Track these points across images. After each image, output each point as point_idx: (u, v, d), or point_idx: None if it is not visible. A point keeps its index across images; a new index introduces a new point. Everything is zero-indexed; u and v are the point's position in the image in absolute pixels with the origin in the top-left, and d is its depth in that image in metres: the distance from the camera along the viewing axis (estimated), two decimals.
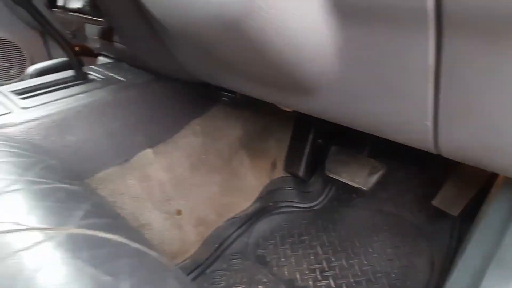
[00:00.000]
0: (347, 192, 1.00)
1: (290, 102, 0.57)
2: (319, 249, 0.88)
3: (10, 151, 0.40)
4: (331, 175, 0.93)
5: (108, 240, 0.28)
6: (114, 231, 0.30)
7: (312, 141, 0.96)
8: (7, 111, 0.61)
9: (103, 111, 0.68)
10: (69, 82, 0.74)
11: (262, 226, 0.95)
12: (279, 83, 0.51)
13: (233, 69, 0.57)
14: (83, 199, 0.33)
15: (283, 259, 0.87)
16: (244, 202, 0.93)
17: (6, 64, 1.35)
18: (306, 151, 0.96)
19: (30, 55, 1.42)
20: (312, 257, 0.86)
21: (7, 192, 0.31)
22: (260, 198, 0.96)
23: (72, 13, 0.72)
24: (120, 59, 0.89)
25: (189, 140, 0.83)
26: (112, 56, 0.91)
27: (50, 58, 1.48)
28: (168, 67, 0.74)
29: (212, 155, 0.86)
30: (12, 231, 0.27)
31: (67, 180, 0.36)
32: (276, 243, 0.91)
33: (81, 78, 0.75)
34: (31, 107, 0.62)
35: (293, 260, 0.86)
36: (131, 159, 0.73)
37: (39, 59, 1.45)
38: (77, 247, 0.26)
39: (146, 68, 0.80)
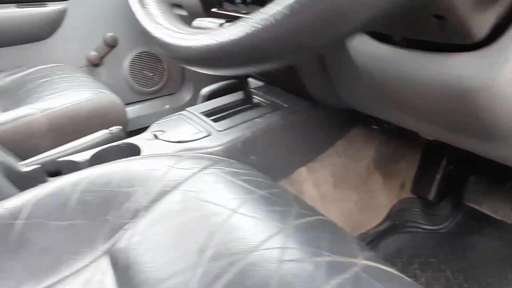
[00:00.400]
0: (476, 220, 1.01)
1: (463, 143, 0.62)
2: (449, 273, 0.91)
3: (257, 180, 0.50)
4: (471, 205, 0.94)
5: (389, 272, 0.37)
6: (384, 263, 0.38)
7: (445, 167, 0.99)
8: (207, 134, 0.74)
9: (275, 134, 0.79)
10: (241, 105, 0.87)
11: (390, 244, 1.00)
12: (463, 129, 0.56)
13: (410, 111, 0.63)
14: (345, 231, 0.43)
15: (413, 279, 0.91)
16: (375, 220, 1.00)
17: (150, 74, 1.57)
18: (438, 176, 0.99)
19: (167, 66, 1.62)
20: (443, 280, 0.90)
21: (294, 225, 0.40)
22: (389, 217, 1.01)
23: None
24: (270, 83, 1.00)
25: (333, 159, 0.91)
26: (262, 79, 1.02)
27: (183, 69, 1.68)
28: (326, 96, 0.83)
29: (351, 174, 0.94)
30: (313, 258, 0.36)
31: (318, 211, 0.46)
32: (404, 261, 0.96)
33: (249, 101, 0.87)
34: (224, 129, 0.75)
35: (423, 281, 0.90)
36: (290, 176, 0.84)
37: (174, 69, 1.66)
38: (377, 278, 0.35)
39: (300, 94, 0.90)
